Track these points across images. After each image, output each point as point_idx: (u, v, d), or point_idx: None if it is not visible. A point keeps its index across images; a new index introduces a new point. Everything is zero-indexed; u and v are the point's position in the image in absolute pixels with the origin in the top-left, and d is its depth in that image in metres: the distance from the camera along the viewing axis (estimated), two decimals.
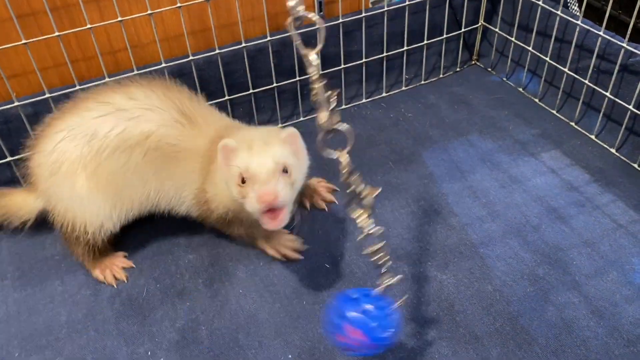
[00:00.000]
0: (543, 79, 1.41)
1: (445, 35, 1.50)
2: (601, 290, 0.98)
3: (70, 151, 0.97)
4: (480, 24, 1.54)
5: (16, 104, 1.13)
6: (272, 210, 0.85)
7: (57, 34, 1.09)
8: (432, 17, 1.46)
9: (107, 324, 0.98)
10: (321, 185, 1.18)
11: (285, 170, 0.88)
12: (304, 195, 1.16)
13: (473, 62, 1.60)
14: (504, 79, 1.52)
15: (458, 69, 1.57)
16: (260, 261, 1.07)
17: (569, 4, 1.31)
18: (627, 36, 1.17)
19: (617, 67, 1.21)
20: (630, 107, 1.19)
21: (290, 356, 0.92)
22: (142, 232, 1.13)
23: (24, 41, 1.07)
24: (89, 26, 1.10)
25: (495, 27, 1.51)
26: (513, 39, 1.46)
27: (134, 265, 1.08)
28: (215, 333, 0.95)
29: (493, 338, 0.92)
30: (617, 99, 1.22)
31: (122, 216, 1.03)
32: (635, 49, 1.18)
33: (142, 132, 0.97)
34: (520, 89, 1.48)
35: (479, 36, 1.56)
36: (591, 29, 1.26)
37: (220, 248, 1.10)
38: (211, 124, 1.02)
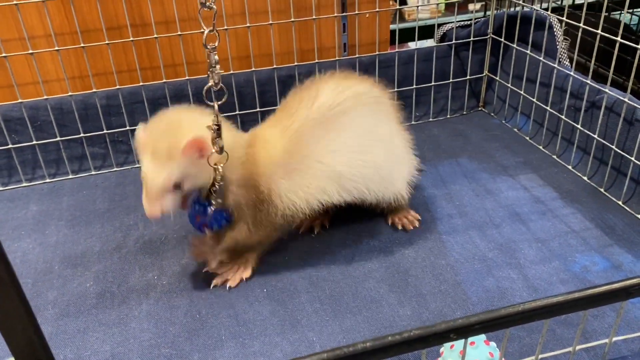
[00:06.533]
0: (532, 119, 1.60)
1: (451, 80, 1.74)
2: (540, 273, 1.12)
3: None
4: (485, 74, 1.77)
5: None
6: None
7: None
8: (441, 65, 1.72)
9: (129, 255, 1.23)
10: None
11: (177, 186, 0.95)
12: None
13: (479, 108, 1.81)
14: (503, 121, 1.72)
15: (465, 112, 1.79)
16: None
17: (561, 60, 1.53)
18: (590, 76, 1.37)
19: (584, 103, 1.39)
20: (596, 136, 1.36)
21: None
22: None
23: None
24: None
25: (497, 77, 1.74)
26: (509, 85, 1.67)
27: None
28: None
29: (435, 295, 1.08)
30: (588, 132, 1.39)
31: None
32: (601, 87, 1.36)
33: None
34: (515, 130, 1.67)
35: (484, 85, 1.79)
36: (568, 71, 1.47)
37: None
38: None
